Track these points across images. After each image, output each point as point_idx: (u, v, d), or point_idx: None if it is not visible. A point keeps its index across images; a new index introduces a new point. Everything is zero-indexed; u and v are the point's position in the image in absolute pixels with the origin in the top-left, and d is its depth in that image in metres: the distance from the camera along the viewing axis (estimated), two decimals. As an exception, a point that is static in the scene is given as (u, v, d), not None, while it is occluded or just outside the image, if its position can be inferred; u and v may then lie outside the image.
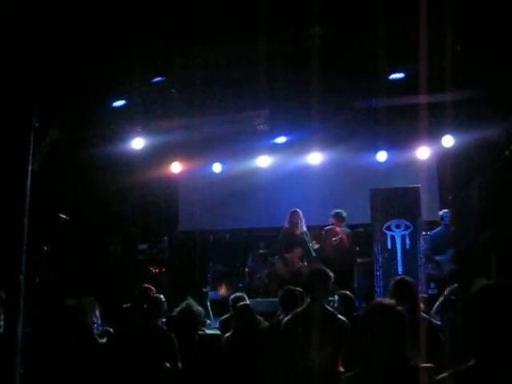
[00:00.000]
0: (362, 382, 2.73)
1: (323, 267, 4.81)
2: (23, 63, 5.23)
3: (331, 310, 4.76)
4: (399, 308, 2.76)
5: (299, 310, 4.78)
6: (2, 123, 5.10)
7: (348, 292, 6.64)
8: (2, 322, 5.20)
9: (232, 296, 6.89)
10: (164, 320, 7.03)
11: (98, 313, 6.55)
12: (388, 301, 2.95)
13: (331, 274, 4.71)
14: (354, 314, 6.30)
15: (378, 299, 2.96)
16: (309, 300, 4.73)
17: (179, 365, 5.63)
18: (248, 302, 6.74)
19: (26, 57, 5.26)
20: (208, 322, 7.34)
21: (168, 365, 5.56)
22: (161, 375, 5.54)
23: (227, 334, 5.92)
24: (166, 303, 5.98)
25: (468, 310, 2.42)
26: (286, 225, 9.06)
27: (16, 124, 5.05)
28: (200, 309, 6.62)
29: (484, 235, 9.39)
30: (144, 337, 5.61)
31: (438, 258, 8.94)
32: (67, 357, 5.32)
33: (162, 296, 6.02)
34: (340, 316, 4.71)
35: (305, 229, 8.96)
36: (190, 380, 6.12)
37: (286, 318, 4.85)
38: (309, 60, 6.99)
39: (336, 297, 6.64)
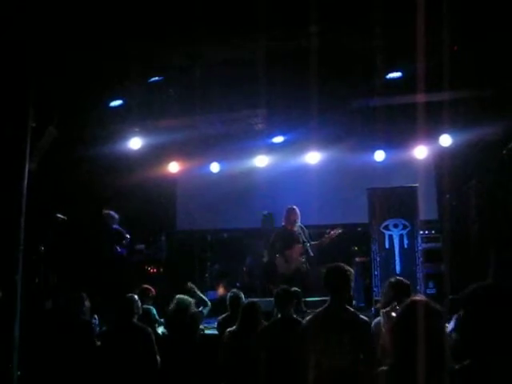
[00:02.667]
0: (397, 377, 2.69)
1: (342, 265, 4.66)
2: (21, 63, 5.22)
3: (352, 309, 4.69)
4: (439, 307, 2.73)
5: (320, 309, 4.69)
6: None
7: None
8: None
9: (229, 294, 6.88)
10: (162, 320, 7.08)
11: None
12: (428, 299, 2.91)
13: (350, 271, 4.62)
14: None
15: (417, 297, 2.90)
16: (328, 300, 4.65)
17: (158, 359, 5.71)
18: (243, 298, 6.75)
19: (23, 57, 5.25)
20: (204, 310, 7.25)
21: (147, 359, 5.66)
22: (143, 371, 5.61)
23: (230, 329, 5.90)
24: (138, 302, 6.07)
25: (462, 310, 2.42)
26: (284, 222, 9.04)
27: (13, 124, 5.04)
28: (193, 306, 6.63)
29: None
30: (124, 335, 5.70)
31: None
32: (66, 355, 5.33)
33: (135, 296, 6.11)
34: (362, 316, 4.67)
35: (300, 224, 8.94)
36: (188, 379, 6.14)
37: (306, 318, 4.80)
38: (306, 59, 6.98)
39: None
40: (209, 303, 7.26)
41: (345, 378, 4.31)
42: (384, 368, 2.80)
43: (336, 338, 4.36)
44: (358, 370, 4.36)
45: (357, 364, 4.37)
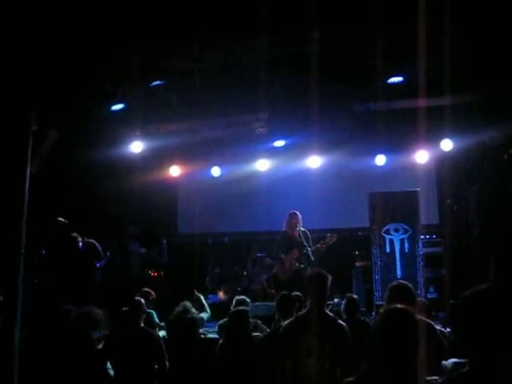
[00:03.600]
0: None
1: (321, 271, 4.79)
2: (22, 66, 5.22)
3: (331, 314, 4.75)
4: (418, 317, 2.72)
5: (299, 314, 4.78)
6: (1, 126, 5.09)
7: (355, 296, 6.65)
8: None
9: (236, 298, 6.88)
10: (163, 324, 7.07)
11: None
12: (407, 308, 2.89)
13: (328, 278, 4.72)
14: (361, 318, 6.31)
15: (396, 305, 2.90)
16: (308, 304, 4.73)
17: (167, 364, 5.68)
18: (248, 306, 6.72)
19: (24, 60, 5.25)
20: (205, 316, 7.25)
21: (156, 366, 5.63)
22: (151, 376, 5.58)
23: (220, 341, 5.92)
24: (145, 305, 6.04)
25: (460, 314, 2.41)
26: (284, 227, 9.04)
27: (14, 127, 5.04)
28: (195, 313, 6.63)
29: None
30: (132, 339, 5.67)
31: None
32: (63, 362, 5.30)
33: (142, 299, 6.08)
34: (340, 321, 4.70)
35: (303, 230, 8.93)
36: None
37: (285, 322, 4.84)
38: (308, 63, 6.99)
39: (335, 300, 6.62)
40: (209, 311, 7.26)
41: (323, 382, 4.35)
42: (350, 379, 2.79)
43: (315, 341, 4.41)
44: (335, 373, 4.42)
45: (335, 368, 4.44)
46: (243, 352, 5.54)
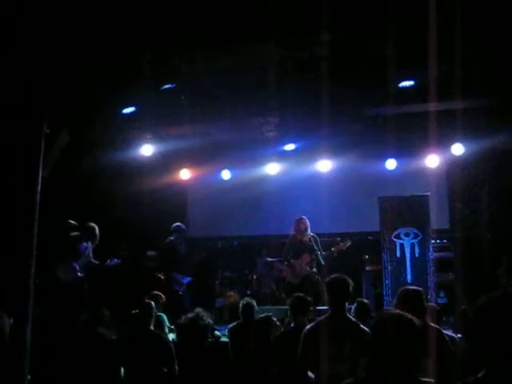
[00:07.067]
0: None
1: (342, 276, 4.80)
2: (33, 69, 5.26)
3: (353, 319, 4.75)
4: (411, 318, 2.73)
5: (321, 318, 4.79)
6: (13, 129, 5.13)
7: (365, 300, 6.64)
8: None
9: (242, 302, 6.88)
10: (172, 326, 7.09)
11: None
12: (399, 311, 2.92)
13: (350, 282, 4.74)
14: (370, 321, 6.29)
15: (388, 309, 2.98)
16: (330, 309, 4.75)
17: (176, 367, 5.68)
18: (255, 306, 6.73)
19: (36, 63, 5.29)
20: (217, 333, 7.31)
21: (165, 369, 5.64)
22: (160, 379, 5.59)
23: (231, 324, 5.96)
24: (155, 308, 6.09)
25: (476, 321, 2.40)
26: (293, 231, 9.03)
27: (27, 130, 5.07)
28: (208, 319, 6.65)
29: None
30: (141, 342, 5.68)
31: None
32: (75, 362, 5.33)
33: (152, 302, 6.09)
34: (362, 326, 4.70)
35: (312, 234, 8.92)
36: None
37: (307, 327, 4.85)
38: (318, 67, 6.99)
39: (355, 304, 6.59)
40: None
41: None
42: (347, 381, 2.80)
43: (337, 344, 4.41)
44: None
45: (356, 370, 4.42)
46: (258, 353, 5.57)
